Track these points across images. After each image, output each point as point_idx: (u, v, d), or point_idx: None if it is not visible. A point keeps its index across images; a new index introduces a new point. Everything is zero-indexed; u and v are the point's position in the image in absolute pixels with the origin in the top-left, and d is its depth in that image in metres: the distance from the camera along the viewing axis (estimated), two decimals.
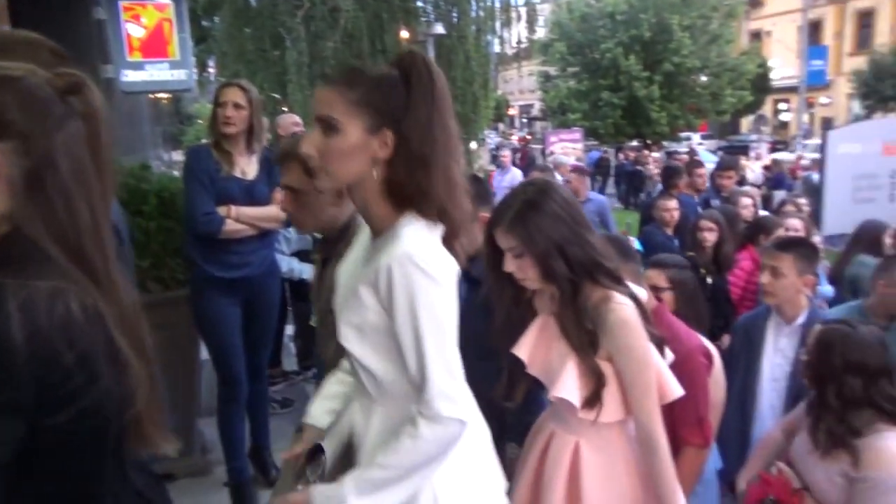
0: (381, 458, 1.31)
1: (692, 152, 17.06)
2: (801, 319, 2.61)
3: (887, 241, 4.18)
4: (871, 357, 1.95)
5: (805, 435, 2.11)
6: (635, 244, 4.51)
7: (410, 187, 1.32)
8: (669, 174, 5.92)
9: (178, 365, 3.22)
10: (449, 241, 1.39)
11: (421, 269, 1.28)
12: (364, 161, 1.32)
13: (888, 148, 6.76)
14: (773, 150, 22.51)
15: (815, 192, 7.39)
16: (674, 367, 2.05)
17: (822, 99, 33.48)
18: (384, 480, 1.28)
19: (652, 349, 1.73)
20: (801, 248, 2.69)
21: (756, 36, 33.86)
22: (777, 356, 2.67)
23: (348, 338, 1.37)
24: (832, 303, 4.01)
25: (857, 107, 29.26)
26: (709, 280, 4.12)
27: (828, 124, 22.46)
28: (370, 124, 1.30)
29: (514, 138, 32.04)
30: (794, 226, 4.73)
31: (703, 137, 29.93)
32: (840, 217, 6.12)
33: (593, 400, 1.66)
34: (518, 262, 1.66)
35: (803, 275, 2.62)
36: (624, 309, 1.66)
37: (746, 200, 5.40)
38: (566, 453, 1.75)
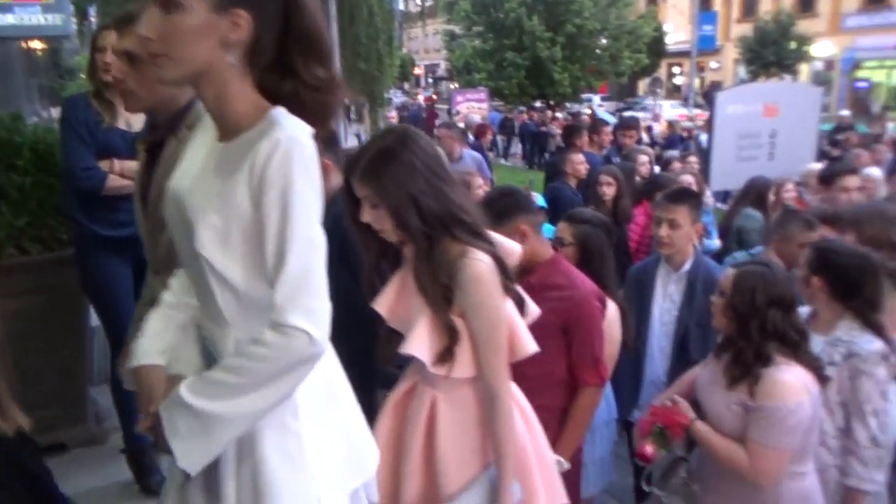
0: (224, 361, 1.24)
1: (594, 113, 17.58)
2: (686, 266, 2.76)
3: (771, 197, 4.48)
4: (787, 291, 2.07)
5: (708, 370, 2.24)
6: (539, 200, 4.61)
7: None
8: (570, 132, 6.06)
9: (64, 330, 3.02)
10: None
11: (304, 158, 1.20)
12: (211, 44, 1.20)
13: (768, 109, 7.19)
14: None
15: (704, 152, 7.82)
16: (570, 310, 2.15)
17: (712, 63, 35.25)
18: (222, 384, 1.20)
19: (509, 306, 1.73)
20: (692, 198, 2.83)
21: (652, 0, 34.97)
22: (666, 301, 2.80)
23: (208, 244, 1.23)
24: (718, 255, 4.28)
25: (742, 71, 30.99)
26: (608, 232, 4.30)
27: (717, 87, 23.64)
28: (216, 1, 1.19)
29: (420, 98, 31.75)
30: (687, 181, 5.00)
31: (603, 99, 30.94)
32: (725, 174, 6.52)
33: (445, 356, 1.65)
34: (374, 212, 1.63)
35: (695, 224, 2.76)
36: (478, 265, 1.63)
37: (644, 158, 5.63)
38: (424, 407, 1.76)
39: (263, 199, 1.18)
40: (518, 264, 2.12)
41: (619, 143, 6.19)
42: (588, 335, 2.19)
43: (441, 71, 45.83)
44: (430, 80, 51.15)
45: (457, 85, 26.52)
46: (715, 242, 4.77)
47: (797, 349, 2.04)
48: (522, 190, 2.54)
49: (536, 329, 2.15)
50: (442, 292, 1.64)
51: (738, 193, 4.97)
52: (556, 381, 2.23)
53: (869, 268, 2.24)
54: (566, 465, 2.14)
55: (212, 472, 1.28)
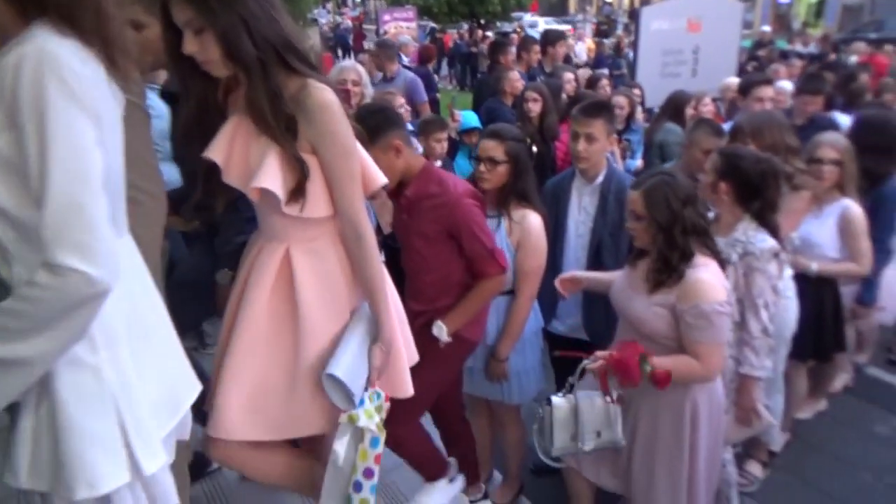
0: (2, 304, 1.11)
1: (523, 30, 17.29)
2: (600, 179, 2.83)
3: (689, 111, 4.58)
4: (688, 186, 2.18)
5: (624, 278, 2.34)
6: (468, 118, 4.57)
7: None
8: (495, 50, 5.96)
9: None
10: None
11: (60, 74, 1.05)
12: None
13: (692, 24, 7.26)
14: (598, 31, 23.44)
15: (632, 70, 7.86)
16: (448, 215, 2.20)
17: None
18: (3, 328, 1.08)
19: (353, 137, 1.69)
20: (606, 111, 2.86)
21: None
22: (581, 213, 2.87)
23: None
24: (641, 171, 4.38)
25: None
26: (534, 149, 4.33)
27: (646, 4, 23.58)
28: None
29: (347, 17, 30.45)
30: (620, 103, 5.04)
31: (535, 16, 30.44)
32: (651, 91, 6.59)
33: (297, 192, 1.59)
34: (198, 39, 1.49)
35: (609, 136, 2.82)
36: (323, 92, 1.58)
37: (569, 75, 5.63)
38: (274, 259, 1.71)
39: (18, 122, 1.05)
40: (395, 179, 2.19)
41: (545, 58, 6.10)
42: (473, 232, 2.24)
43: None
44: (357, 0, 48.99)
45: (384, 4, 25.49)
46: (637, 162, 4.89)
47: (708, 237, 2.17)
48: (391, 106, 2.52)
49: (425, 240, 2.25)
50: (286, 123, 1.57)
51: (659, 109, 5.06)
52: (455, 282, 2.31)
53: (771, 172, 2.36)
54: (445, 337, 2.24)
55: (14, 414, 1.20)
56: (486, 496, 2.88)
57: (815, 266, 3.00)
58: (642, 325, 2.18)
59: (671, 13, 7.24)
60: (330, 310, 1.76)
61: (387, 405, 1.86)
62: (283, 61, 1.56)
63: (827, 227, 3.01)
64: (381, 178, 1.83)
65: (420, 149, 3.87)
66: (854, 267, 3.04)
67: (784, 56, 10.92)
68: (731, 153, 2.46)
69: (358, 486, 1.76)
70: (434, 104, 6.35)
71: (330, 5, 41.29)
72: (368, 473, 1.77)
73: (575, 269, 2.82)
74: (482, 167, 2.54)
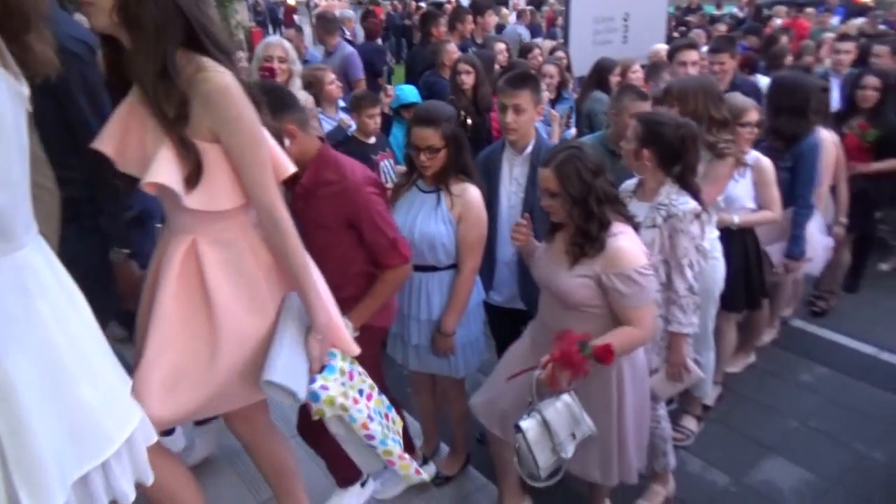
0: None
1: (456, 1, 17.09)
2: (529, 149, 2.85)
3: (614, 78, 4.65)
4: (596, 157, 2.19)
5: (544, 255, 2.34)
6: (407, 92, 4.50)
7: None
8: (427, 21, 5.88)
9: None
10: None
11: None
12: None
13: None
14: (531, 0, 23.38)
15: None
16: (346, 203, 2.15)
17: None
18: None
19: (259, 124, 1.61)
20: (532, 80, 2.85)
21: None
22: (512, 185, 2.89)
23: None
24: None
25: None
26: (469, 121, 4.33)
27: None
28: None
29: None
30: (550, 72, 5.06)
31: None
32: (583, 59, 6.60)
33: (193, 181, 1.51)
34: (93, 9, 1.42)
35: (537, 106, 2.82)
36: (222, 76, 1.48)
37: (500, 46, 5.61)
38: (178, 252, 1.64)
39: None
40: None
41: (476, 28, 6.07)
42: (374, 221, 2.19)
43: None
44: None
45: None
46: (571, 131, 4.93)
47: (620, 204, 2.21)
48: (282, 86, 2.40)
49: (323, 230, 2.17)
50: (178, 109, 1.46)
51: (585, 78, 5.10)
52: (357, 272, 2.27)
53: (690, 136, 2.43)
54: (352, 333, 2.19)
55: None
56: (425, 462, 2.96)
57: (736, 219, 3.14)
58: (568, 296, 2.19)
59: None
60: (247, 302, 1.69)
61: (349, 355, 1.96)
62: (189, 37, 1.45)
63: (743, 182, 3.14)
64: (289, 167, 1.75)
65: (353, 125, 3.82)
66: (770, 214, 3.21)
67: (713, 21, 11.18)
68: (651, 120, 2.50)
69: (370, 442, 1.91)
70: (390, 76, 6.21)
71: None
72: (369, 437, 1.88)
73: (509, 241, 2.82)
74: (422, 157, 2.47)
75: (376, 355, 2.50)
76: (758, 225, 3.25)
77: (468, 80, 4.40)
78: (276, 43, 3.77)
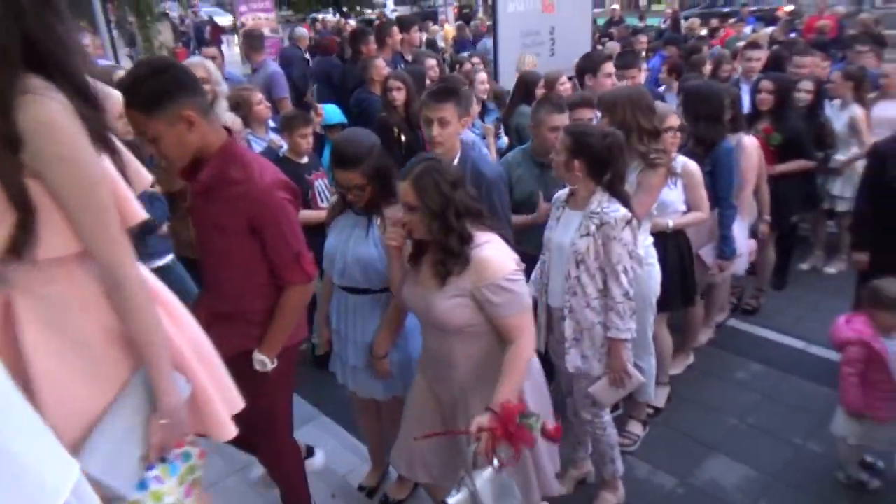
0: None
1: (383, 16, 17.15)
2: (455, 161, 2.83)
3: (538, 91, 4.72)
4: (454, 171, 2.14)
5: (411, 284, 2.22)
6: (331, 113, 4.46)
7: None
8: (356, 38, 5.86)
9: None
10: None
11: None
12: None
13: (546, 5, 7.45)
14: (460, 15, 23.70)
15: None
16: (251, 208, 1.96)
17: None
18: None
19: (99, 162, 1.36)
20: (456, 94, 2.85)
21: None
22: None
23: None
24: (505, 152, 4.46)
25: None
26: (402, 137, 4.31)
27: None
28: None
29: (200, 10, 28.91)
30: (482, 79, 5.12)
31: (397, 3, 30.37)
32: (512, 72, 6.73)
33: (20, 237, 1.25)
34: None
35: (462, 118, 2.83)
36: (47, 105, 1.24)
37: (431, 61, 5.63)
38: None
39: None
40: (187, 157, 1.92)
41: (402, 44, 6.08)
42: (280, 231, 2.02)
43: None
44: None
45: None
46: (503, 140, 4.98)
47: (482, 216, 2.13)
48: (181, 65, 2.14)
49: (222, 233, 2.00)
50: (5, 140, 1.22)
51: (511, 91, 5.17)
52: (262, 282, 2.10)
53: (617, 145, 2.48)
54: (270, 365, 2.13)
55: None
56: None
57: (670, 223, 3.24)
58: (448, 321, 2.09)
59: None
60: (78, 370, 1.40)
61: (200, 462, 1.66)
62: (35, 62, 1.24)
63: (674, 187, 3.21)
64: (138, 214, 1.47)
65: (284, 145, 3.73)
66: (700, 214, 3.32)
67: (635, 32, 11.56)
68: (578, 132, 2.54)
69: None
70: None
71: None
72: None
73: None
74: (350, 196, 2.43)
75: (290, 374, 2.38)
76: (689, 226, 3.34)
77: (399, 96, 4.38)
78: (198, 63, 3.67)
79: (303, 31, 10.17)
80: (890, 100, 4.91)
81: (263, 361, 2.13)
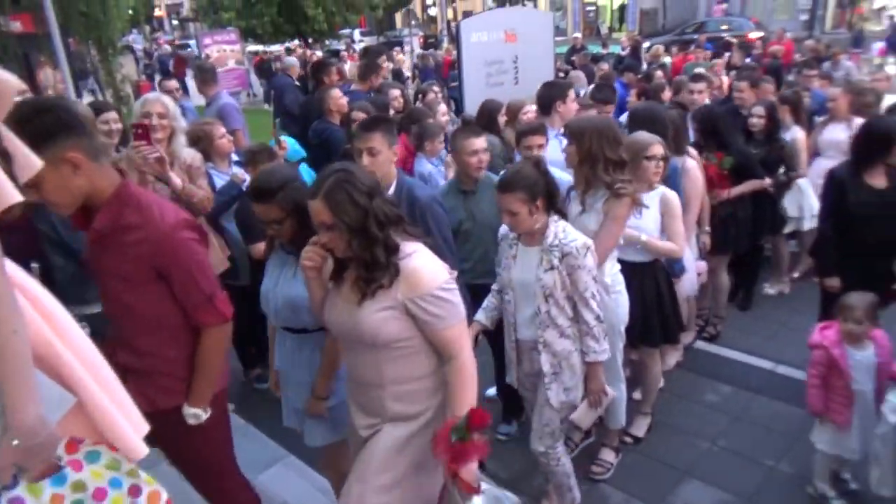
0: None
1: (348, 48, 17.26)
2: (391, 189, 2.84)
3: (500, 119, 4.76)
4: (369, 178, 2.02)
5: (332, 304, 2.10)
6: (291, 152, 4.43)
7: None
8: (318, 70, 5.87)
9: None
10: None
11: None
12: None
13: (509, 35, 7.57)
14: (425, 44, 23.99)
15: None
16: (153, 253, 1.87)
17: None
18: None
19: None
20: (384, 123, 2.87)
21: None
22: None
23: None
24: None
25: (489, 1, 32.46)
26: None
27: (468, 16, 24.52)
28: None
29: (163, 42, 28.81)
30: (443, 110, 5.14)
31: (363, 34, 30.63)
32: (478, 101, 6.80)
33: None
34: None
35: (392, 147, 2.87)
36: None
37: (395, 92, 5.66)
38: None
39: None
40: (75, 203, 1.81)
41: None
42: (189, 273, 1.94)
43: (186, 11, 41.86)
44: (175, 22, 46.62)
45: (204, 26, 24.42)
46: None
47: (403, 222, 2.02)
48: (70, 104, 2.04)
49: (122, 281, 1.91)
50: None
51: (473, 118, 5.20)
52: (174, 325, 2.01)
53: (544, 168, 2.55)
54: (204, 416, 2.05)
55: None
56: None
57: (643, 237, 3.19)
58: (377, 335, 1.97)
59: (488, 25, 7.49)
60: None
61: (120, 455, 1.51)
62: None
63: (649, 213, 3.18)
64: (10, 196, 1.27)
65: (247, 179, 3.69)
66: (673, 246, 3.29)
67: (595, 59, 11.80)
68: (524, 183, 2.49)
69: None
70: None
71: (147, 29, 38.84)
72: None
73: None
74: (269, 230, 2.34)
75: (227, 420, 2.29)
76: (660, 253, 3.30)
77: None
78: (155, 99, 3.61)
79: (293, 60, 10.15)
80: (837, 122, 5.06)
81: (197, 415, 2.04)
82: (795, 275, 5.44)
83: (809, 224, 4.89)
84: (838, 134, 4.97)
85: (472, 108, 6.75)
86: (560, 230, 2.53)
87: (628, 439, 3.57)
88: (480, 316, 2.87)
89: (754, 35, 16.12)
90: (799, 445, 3.35)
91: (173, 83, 5.94)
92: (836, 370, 2.91)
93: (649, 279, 3.30)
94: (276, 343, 2.58)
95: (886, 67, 13.73)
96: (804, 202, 4.93)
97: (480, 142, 3.29)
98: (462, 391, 1.97)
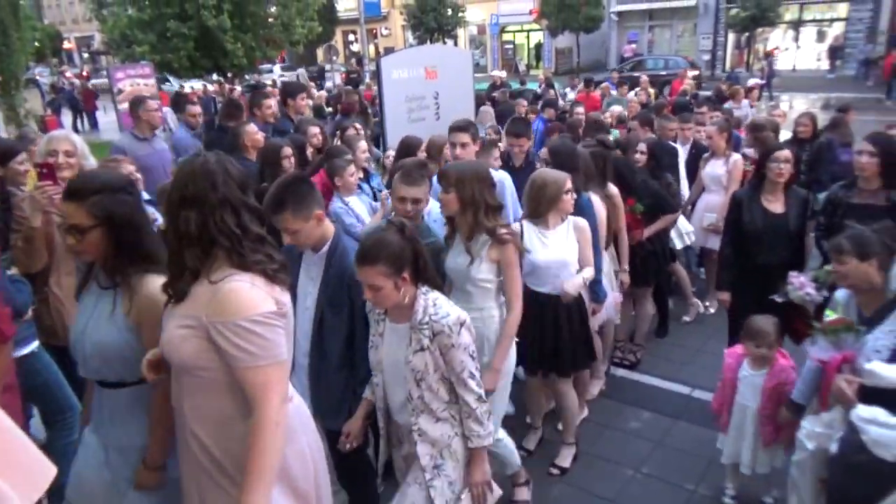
0: None
1: (274, 84, 17.07)
2: (324, 248, 2.61)
3: (420, 154, 4.80)
4: (201, 187, 1.76)
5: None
6: None
7: None
8: (229, 109, 5.77)
9: None
10: None
11: None
12: None
13: (429, 72, 7.69)
14: (348, 80, 24.05)
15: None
16: None
17: (383, 30, 36.95)
18: None
19: None
20: (291, 200, 2.50)
21: None
22: (309, 284, 2.68)
23: None
24: None
25: (410, 37, 33.05)
26: None
27: (390, 53, 24.80)
28: None
29: (70, 75, 27.68)
30: (363, 147, 5.12)
31: (284, 68, 30.46)
32: (400, 136, 6.84)
33: None
34: None
35: (308, 218, 2.50)
36: None
37: (314, 129, 5.61)
38: None
39: None
40: None
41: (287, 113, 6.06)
42: None
43: (97, 44, 40.48)
44: (86, 56, 44.98)
45: (117, 60, 23.65)
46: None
47: (239, 251, 1.76)
48: None
49: None
50: None
51: (394, 156, 5.23)
52: None
53: (410, 234, 2.24)
54: None
55: None
56: None
57: (583, 276, 3.39)
58: (171, 353, 1.76)
59: (408, 62, 7.61)
60: None
61: None
62: None
63: (569, 243, 3.32)
64: None
65: (158, 219, 3.54)
66: (592, 271, 3.45)
67: (514, 95, 12.14)
68: (383, 254, 2.16)
69: None
70: None
71: (55, 62, 37.24)
72: None
73: (303, 343, 2.64)
74: (70, 239, 1.98)
75: None
76: (579, 287, 3.39)
77: (287, 165, 4.30)
78: (62, 136, 3.44)
79: (196, 108, 9.87)
80: (717, 158, 5.42)
81: None
82: (708, 304, 5.67)
83: (681, 243, 5.27)
84: (717, 169, 5.34)
85: (393, 142, 6.81)
86: (431, 304, 2.21)
87: (555, 471, 3.59)
88: (367, 392, 2.56)
89: (692, 73, 17.18)
90: (714, 467, 3.46)
91: (196, 108, 5.82)
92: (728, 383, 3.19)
93: (562, 309, 3.37)
94: (93, 399, 2.16)
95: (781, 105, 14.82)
96: (678, 225, 5.25)
97: (412, 191, 3.05)
98: (258, 455, 1.69)
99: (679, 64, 22.55)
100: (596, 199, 3.91)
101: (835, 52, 27.08)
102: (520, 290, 2.92)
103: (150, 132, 5.32)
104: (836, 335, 2.64)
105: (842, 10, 27.45)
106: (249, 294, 1.72)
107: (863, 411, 2.34)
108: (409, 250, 2.20)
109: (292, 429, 1.89)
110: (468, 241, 2.87)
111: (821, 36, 28.65)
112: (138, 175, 3.86)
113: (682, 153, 5.84)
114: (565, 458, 3.65)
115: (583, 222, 3.41)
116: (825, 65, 27.59)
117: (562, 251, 3.31)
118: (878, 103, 18.30)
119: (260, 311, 1.72)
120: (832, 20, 28.04)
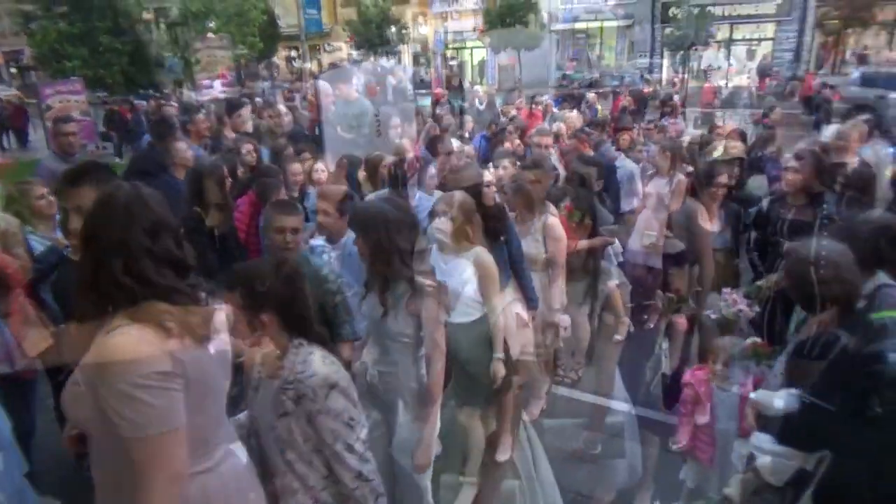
0: None
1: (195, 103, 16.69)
2: None
3: (360, 174, 4.72)
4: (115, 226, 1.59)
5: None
6: None
7: None
8: (160, 126, 5.54)
9: None
10: None
11: None
12: None
13: (370, 89, 7.65)
14: (290, 97, 23.77)
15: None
16: None
17: (327, 46, 36.76)
18: None
19: None
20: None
21: None
22: None
23: None
24: None
25: (355, 54, 32.97)
26: (216, 231, 4.02)
27: (332, 69, 24.60)
28: None
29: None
30: (295, 171, 4.98)
31: (225, 85, 29.85)
32: (340, 153, 6.73)
33: None
34: None
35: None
36: None
37: (248, 146, 5.44)
38: None
39: None
40: None
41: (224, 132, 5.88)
42: None
43: (26, 59, 38.92)
44: (14, 70, 43.19)
45: (45, 75, 22.77)
46: None
47: (131, 298, 1.53)
48: None
49: None
50: None
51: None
52: None
53: (294, 271, 2.01)
54: None
55: None
56: None
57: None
58: (69, 412, 1.59)
59: (347, 79, 7.55)
60: None
61: None
62: None
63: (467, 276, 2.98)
64: None
65: (68, 245, 3.33)
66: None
67: (459, 112, 12.19)
68: (246, 278, 1.97)
69: None
70: None
71: None
72: None
73: None
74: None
75: None
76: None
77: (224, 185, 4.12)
78: None
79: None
80: (661, 177, 5.49)
81: None
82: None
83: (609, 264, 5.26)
84: (661, 188, 5.40)
85: (334, 158, 6.69)
86: (301, 361, 1.90)
87: None
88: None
89: (647, 89, 17.82)
90: (659, 483, 3.44)
91: (69, 127, 5.48)
92: (701, 408, 3.05)
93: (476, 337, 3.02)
94: None
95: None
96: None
97: (290, 220, 2.81)
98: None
99: (637, 81, 23.34)
100: (556, 222, 3.79)
101: (763, 71, 28.37)
102: (443, 346, 2.57)
103: (69, 152, 5.04)
104: (746, 360, 2.66)
105: (769, 30, 28.81)
106: (135, 350, 1.46)
107: (755, 438, 2.34)
108: (281, 293, 1.91)
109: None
110: (382, 292, 2.55)
111: (750, 55, 29.96)
112: (52, 199, 3.63)
113: (636, 169, 5.91)
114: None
115: (486, 257, 2.93)
116: (755, 82, 28.87)
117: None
118: (801, 118, 19.20)
119: (144, 371, 1.46)
120: (760, 39, 29.36)
